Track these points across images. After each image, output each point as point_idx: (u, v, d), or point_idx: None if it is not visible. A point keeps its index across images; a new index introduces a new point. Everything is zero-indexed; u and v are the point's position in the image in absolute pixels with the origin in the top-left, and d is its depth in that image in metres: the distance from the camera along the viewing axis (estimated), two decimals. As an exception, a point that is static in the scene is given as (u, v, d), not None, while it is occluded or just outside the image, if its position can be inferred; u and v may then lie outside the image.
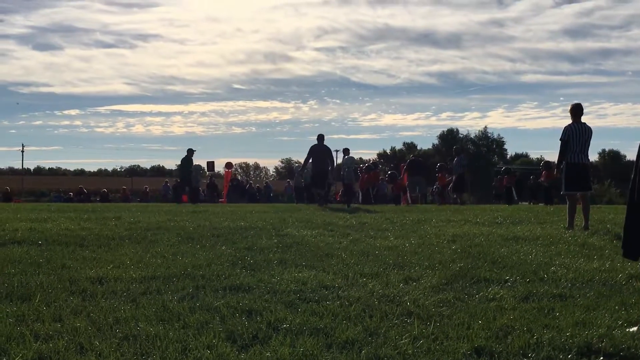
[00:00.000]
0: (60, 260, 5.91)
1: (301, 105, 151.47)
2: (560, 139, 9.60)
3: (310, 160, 17.74)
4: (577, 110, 9.63)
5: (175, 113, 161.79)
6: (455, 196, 21.36)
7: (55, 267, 5.56)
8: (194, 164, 24.01)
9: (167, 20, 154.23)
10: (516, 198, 25.12)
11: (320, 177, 17.49)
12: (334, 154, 21.56)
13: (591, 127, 9.60)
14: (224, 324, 3.60)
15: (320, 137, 17.48)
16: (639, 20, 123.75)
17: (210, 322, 3.63)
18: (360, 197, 23.45)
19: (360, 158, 79.60)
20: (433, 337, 3.40)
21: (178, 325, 3.56)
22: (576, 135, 9.47)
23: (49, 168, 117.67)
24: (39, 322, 3.63)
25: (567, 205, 9.76)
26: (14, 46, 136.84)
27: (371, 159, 73.64)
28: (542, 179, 23.79)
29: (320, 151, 17.30)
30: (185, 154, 23.12)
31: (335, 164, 19.31)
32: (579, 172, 9.55)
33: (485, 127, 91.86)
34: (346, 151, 20.98)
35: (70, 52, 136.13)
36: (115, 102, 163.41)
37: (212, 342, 3.25)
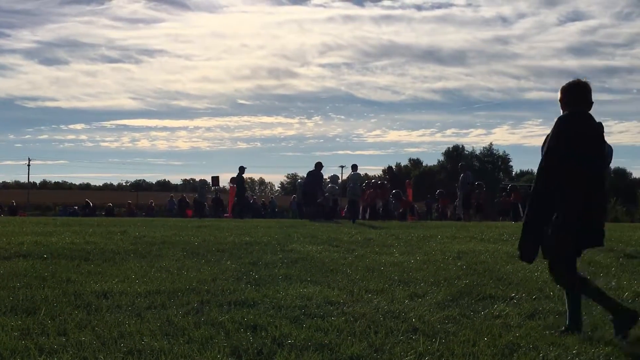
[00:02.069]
0: (65, 274, 5.92)
1: (306, 121, 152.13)
2: None
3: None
4: None
5: (180, 128, 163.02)
6: (461, 213, 21.28)
7: (60, 281, 5.57)
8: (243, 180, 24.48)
9: (173, 36, 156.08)
10: (522, 215, 25.04)
11: (308, 197, 20.64)
12: (339, 169, 24.31)
13: (611, 145, 9.46)
14: (229, 339, 3.59)
15: (317, 165, 20.25)
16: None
17: (215, 337, 3.62)
18: (368, 213, 23.45)
19: (366, 174, 79.63)
20: (438, 353, 3.38)
21: (183, 340, 3.56)
22: None
23: (54, 182, 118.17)
24: (44, 336, 3.63)
25: None
26: (20, 61, 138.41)
27: (377, 175, 73.61)
28: None
29: (312, 177, 20.39)
30: (238, 171, 23.54)
31: (324, 187, 22.12)
32: None
33: (491, 143, 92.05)
34: (354, 167, 21.06)
35: (76, 66, 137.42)
36: (121, 116, 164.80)
37: (216, 357, 3.25)
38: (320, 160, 20.45)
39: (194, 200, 31.61)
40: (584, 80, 4.13)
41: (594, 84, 4.17)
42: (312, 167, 20.35)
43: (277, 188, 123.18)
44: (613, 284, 5.63)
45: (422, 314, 4.32)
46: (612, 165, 9.55)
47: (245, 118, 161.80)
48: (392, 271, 6.37)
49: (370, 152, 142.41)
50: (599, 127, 4.04)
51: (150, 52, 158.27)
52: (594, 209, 3.87)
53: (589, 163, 3.86)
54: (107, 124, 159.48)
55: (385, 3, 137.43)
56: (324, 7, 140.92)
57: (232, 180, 24.46)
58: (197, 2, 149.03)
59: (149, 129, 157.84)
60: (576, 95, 4.08)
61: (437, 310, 4.46)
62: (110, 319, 4.05)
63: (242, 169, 23.57)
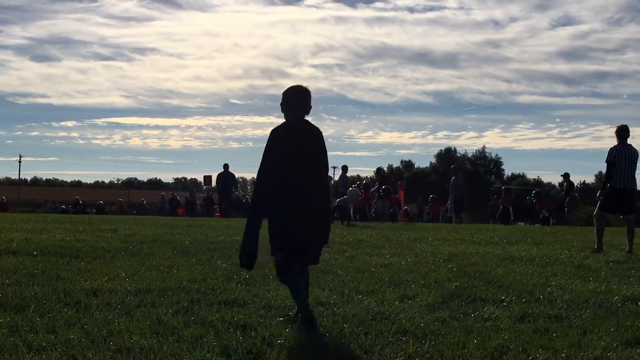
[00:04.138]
0: (55, 272, 5.89)
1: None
2: (606, 161, 9.22)
3: None
4: (623, 132, 9.28)
5: (172, 127, 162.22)
6: (452, 215, 21.33)
7: (49, 278, 5.54)
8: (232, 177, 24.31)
9: (165, 34, 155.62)
10: (512, 218, 25.13)
11: None
12: (331, 170, 23.94)
13: (637, 150, 9.22)
14: (219, 338, 3.59)
15: None
16: (633, 44, 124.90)
17: (205, 337, 3.61)
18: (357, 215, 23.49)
19: (358, 175, 79.59)
20: (428, 355, 3.39)
21: (172, 339, 3.55)
22: (622, 157, 9.12)
23: (46, 179, 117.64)
24: (33, 333, 3.61)
25: (595, 227, 9.31)
26: (11, 57, 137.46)
27: (368, 177, 73.71)
28: (538, 210, 24.26)
29: None
30: (222, 169, 23.37)
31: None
32: (622, 197, 9.18)
33: (484, 146, 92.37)
34: (344, 168, 21.07)
35: (68, 63, 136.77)
36: (112, 114, 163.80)
37: (206, 356, 3.24)
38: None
39: (185, 199, 31.58)
40: (304, 86, 4.16)
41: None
42: None
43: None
44: (603, 287, 5.66)
45: (412, 315, 4.33)
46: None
47: (237, 117, 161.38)
48: (382, 272, 6.38)
49: (362, 153, 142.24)
50: (318, 133, 4.16)
51: (142, 51, 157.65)
52: (294, 223, 4.02)
53: (292, 175, 3.97)
54: (99, 121, 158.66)
55: (378, 5, 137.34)
56: (317, 7, 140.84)
57: (218, 178, 24.22)
58: (189, 1, 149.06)
59: (141, 127, 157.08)
60: (296, 102, 4.11)
61: (427, 312, 4.47)
62: (100, 317, 4.04)
63: (226, 166, 23.49)
